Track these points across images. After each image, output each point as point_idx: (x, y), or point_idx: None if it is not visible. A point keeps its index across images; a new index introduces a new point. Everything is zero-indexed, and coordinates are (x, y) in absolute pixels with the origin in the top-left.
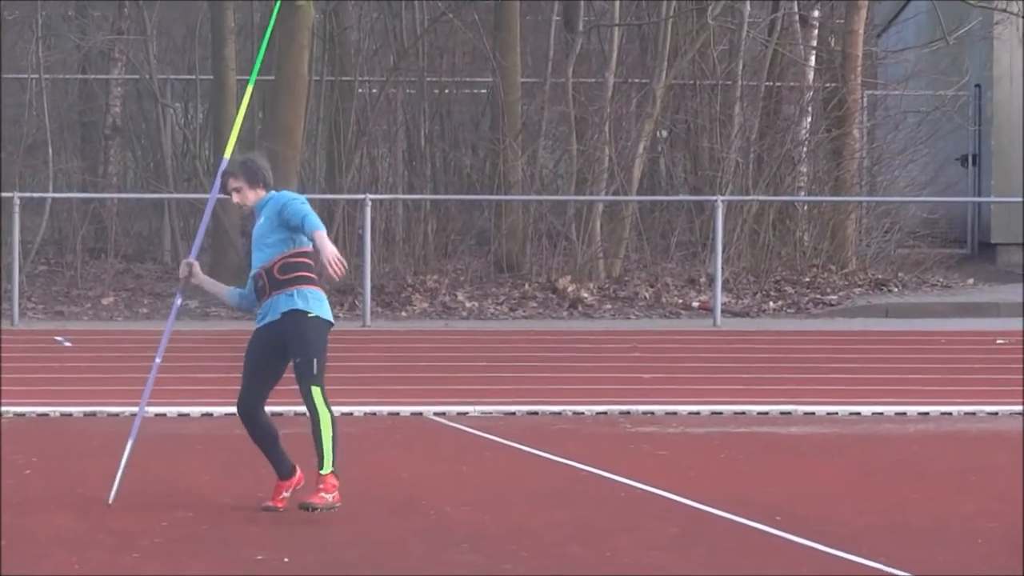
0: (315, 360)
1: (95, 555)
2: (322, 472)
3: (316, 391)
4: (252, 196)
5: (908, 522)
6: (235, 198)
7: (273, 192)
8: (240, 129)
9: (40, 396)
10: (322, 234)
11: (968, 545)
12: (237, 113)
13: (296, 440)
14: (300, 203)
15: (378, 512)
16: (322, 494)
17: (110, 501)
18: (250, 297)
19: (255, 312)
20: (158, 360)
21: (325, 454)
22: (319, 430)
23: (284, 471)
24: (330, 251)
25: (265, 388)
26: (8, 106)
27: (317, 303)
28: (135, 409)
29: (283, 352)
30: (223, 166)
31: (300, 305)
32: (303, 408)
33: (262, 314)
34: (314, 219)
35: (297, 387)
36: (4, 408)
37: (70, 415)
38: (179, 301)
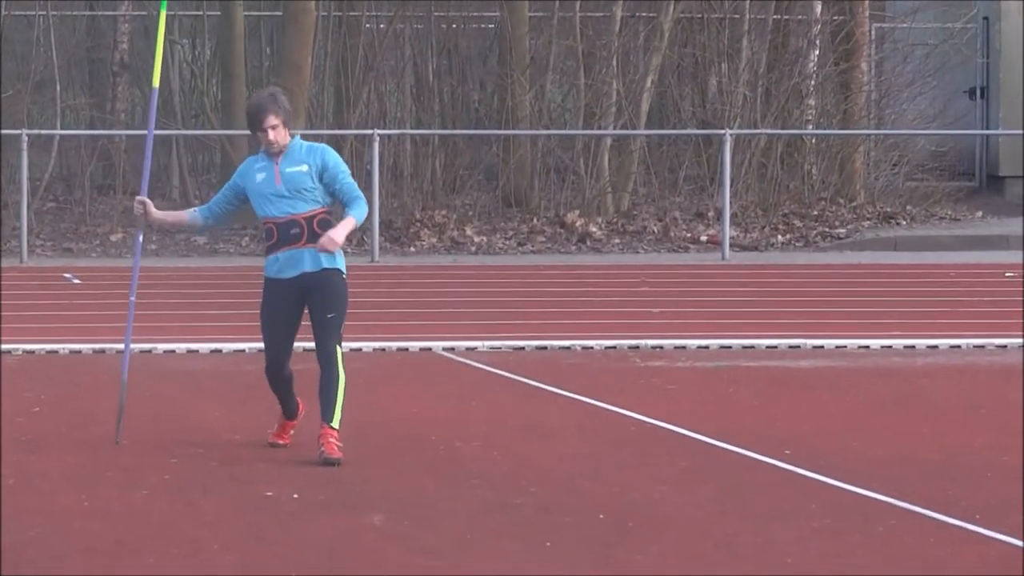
0: (343, 319)
1: (105, 492)
2: (333, 426)
3: (339, 350)
4: (285, 135)
5: (917, 455)
6: (271, 135)
7: (306, 141)
8: (247, 65)
9: (49, 333)
10: (354, 223)
11: (977, 478)
12: (245, 56)
13: (306, 376)
14: (350, 177)
15: (388, 448)
16: (337, 446)
17: (117, 441)
18: (218, 214)
19: (207, 230)
20: (133, 299)
21: (337, 410)
22: (336, 388)
23: (292, 411)
24: (340, 238)
25: (291, 340)
26: (15, 42)
27: (344, 264)
28: (145, 346)
29: (304, 303)
30: (154, 97)
31: (339, 264)
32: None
33: (288, 264)
34: (362, 208)
35: (314, 339)
36: (14, 345)
37: (79, 352)
38: (140, 238)
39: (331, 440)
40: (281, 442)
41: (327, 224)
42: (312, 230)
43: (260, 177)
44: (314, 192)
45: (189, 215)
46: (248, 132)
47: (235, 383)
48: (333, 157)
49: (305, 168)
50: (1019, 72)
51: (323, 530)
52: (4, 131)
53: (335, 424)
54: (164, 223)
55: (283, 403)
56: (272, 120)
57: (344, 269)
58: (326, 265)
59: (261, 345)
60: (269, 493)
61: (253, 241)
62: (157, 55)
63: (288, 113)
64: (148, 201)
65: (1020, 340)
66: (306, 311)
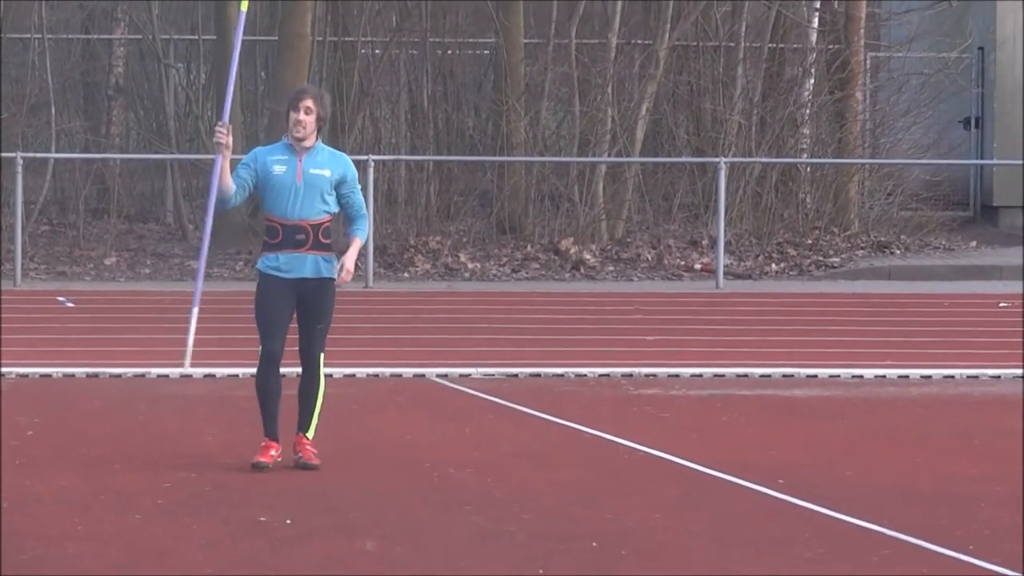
0: (329, 328)
1: (99, 516)
2: (309, 436)
3: (322, 357)
4: (313, 129)
5: (911, 485)
6: (302, 115)
7: (328, 147)
8: (242, 90)
9: (43, 357)
10: (360, 244)
11: (971, 508)
12: (240, 81)
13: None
14: (361, 195)
15: (382, 473)
16: (312, 453)
17: (186, 366)
18: (242, 196)
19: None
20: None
21: (315, 419)
22: (316, 396)
23: (274, 430)
24: (351, 264)
25: (285, 333)
26: (11, 66)
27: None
28: (139, 370)
29: (296, 303)
30: (242, 19)
31: (333, 275)
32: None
33: (290, 266)
34: (366, 226)
35: (300, 342)
36: (7, 369)
37: (73, 376)
38: (220, 162)
39: (307, 447)
40: (266, 460)
41: (329, 233)
42: (317, 239)
43: (280, 170)
44: (328, 198)
45: (233, 187)
46: (242, 156)
47: (229, 408)
48: (353, 171)
49: (328, 173)
50: (1014, 102)
51: (316, 556)
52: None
53: (310, 435)
54: (225, 163)
55: (265, 416)
56: (309, 103)
57: (334, 277)
58: (324, 275)
59: (254, 370)
60: (263, 518)
61: (247, 266)
62: None
63: (325, 114)
64: (230, 127)
65: (1014, 371)
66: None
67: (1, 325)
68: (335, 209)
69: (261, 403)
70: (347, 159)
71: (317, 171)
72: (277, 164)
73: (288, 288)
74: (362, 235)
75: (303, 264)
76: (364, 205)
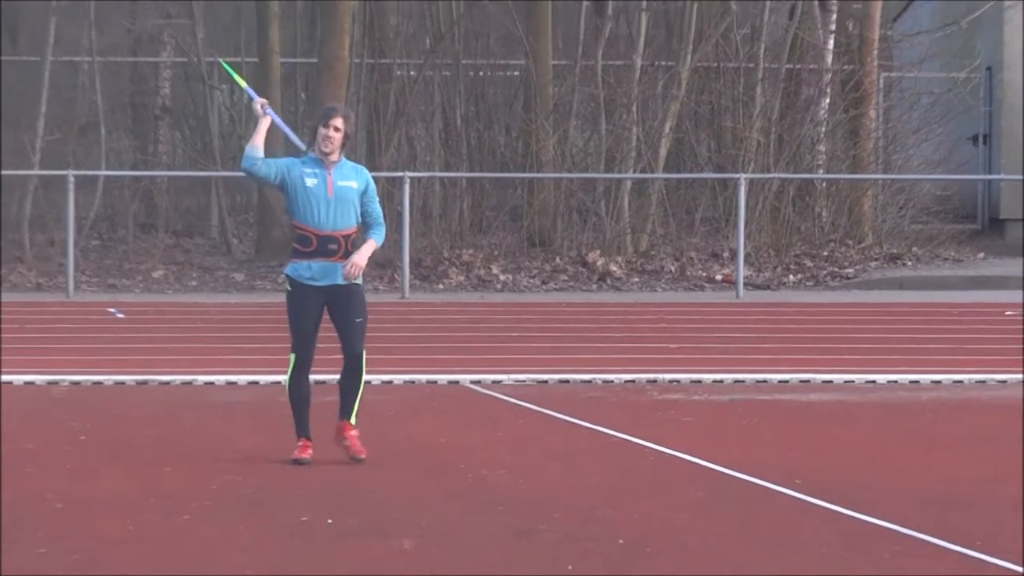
0: (367, 325)
1: (147, 518)
2: (351, 422)
3: (364, 352)
4: (340, 146)
5: (922, 486)
6: (332, 132)
7: (348, 160)
8: (283, 110)
9: (94, 365)
10: (375, 246)
11: (979, 508)
12: (281, 101)
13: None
14: (378, 204)
15: (418, 475)
16: (359, 443)
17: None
18: (260, 171)
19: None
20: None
21: (355, 407)
22: (358, 386)
23: (306, 428)
24: (361, 261)
25: (316, 339)
26: (62, 88)
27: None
28: (186, 377)
29: (326, 308)
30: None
31: (360, 281)
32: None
33: (322, 274)
34: (383, 233)
35: (343, 341)
36: (60, 377)
37: (123, 383)
38: (269, 113)
39: (352, 436)
40: (305, 456)
41: (357, 243)
42: (347, 248)
43: (311, 183)
44: (356, 208)
45: (260, 149)
46: None
47: (271, 413)
48: (372, 182)
49: (355, 185)
50: (1020, 120)
51: (355, 555)
52: (52, 172)
53: (353, 420)
54: (262, 128)
55: (299, 419)
56: (339, 122)
57: (362, 282)
58: (356, 282)
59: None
60: (304, 518)
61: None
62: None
63: (351, 132)
64: (266, 101)
65: (1020, 376)
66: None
67: (55, 335)
68: (360, 218)
69: (295, 407)
70: (367, 171)
71: (345, 183)
72: (308, 177)
73: (320, 296)
74: (378, 239)
75: (335, 272)
76: (381, 214)
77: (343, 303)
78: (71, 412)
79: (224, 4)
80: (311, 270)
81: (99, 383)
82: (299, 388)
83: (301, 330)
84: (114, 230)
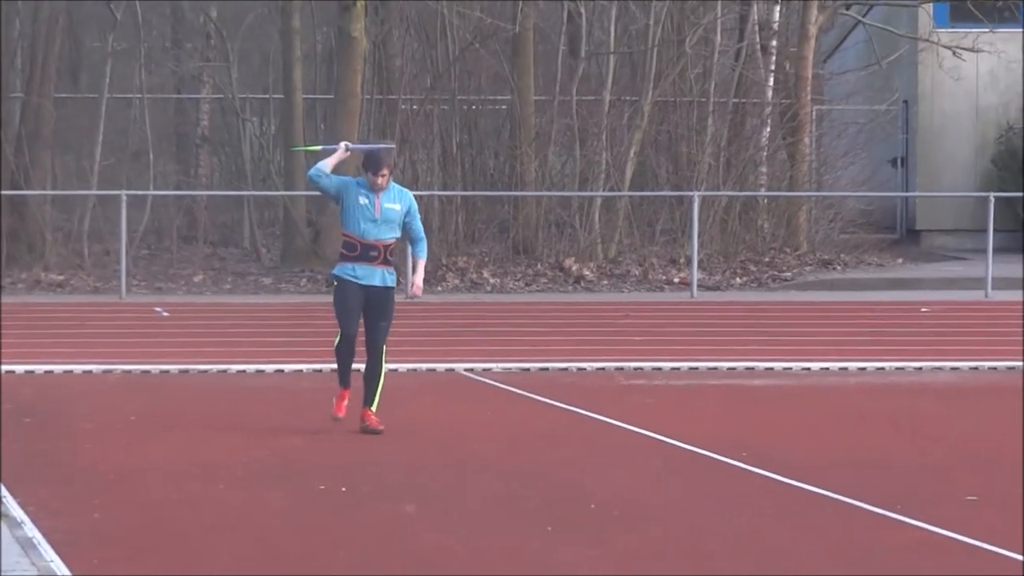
0: (391, 326)
1: (190, 486)
2: (373, 409)
3: (385, 347)
4: (388, 181)
5: (850, 457)
6: (380, 181)
7: (395, 184)
8: (305, 139)
9: (143, 356)
10: (424, 262)
11: (899, 475)
12: (303, 131)
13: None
14: (420, 222)
15: (419, 449)
16: (376, 420)
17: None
18: (327, 184)
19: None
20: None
21: (377, 396)
22: (380, 377)
23: (348, 381)
24: (420, 281)
25: (358, 321)
26: (116, 119)
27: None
28: (222, 366)
29: (365, 302)
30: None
31: (394, 284)
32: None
33: (364, 275)
34: (425, 247)
35: (369, 336)
36: (114, 365)
37: (168, 372)
38: (336, 153)
39: (372, 417)
40: (341, 415)
41: (394, 252)
42: (385, 256)
43: (363, 201)
44: (398, 225)
45: (328, 167)
46: (304, 193)
47: (295, 396)
48: (415, 204)
49: (398, 207)
50: (932, 145)
51: (367, 517)
52: (107, 192)
53: (374, 408)
54: (334, 158)
55: (343, 374)
56: (387, 171)
57: (394, 287)
58: (388, 284)
59: (322, 366)
60: (322, 487)
61: (309, 282)
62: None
63: (393, 167)
64: (347, 144)
65: (934, 363)
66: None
67: (109, 332)
68: (400, 234)
69: (340, 362)
70: (410, 195)
71: (390, 205)
72: (362, 196)
73: (360, 290)
74: (423, 256)
75: (373, 275)
76: (422, 230)
77: (375, 306)
78: (123, 396)
79: (254, 48)
80: (355, 271)
81: (147, 371)
82: (345, 349)
83: (344, 313)
84: (160, 241)
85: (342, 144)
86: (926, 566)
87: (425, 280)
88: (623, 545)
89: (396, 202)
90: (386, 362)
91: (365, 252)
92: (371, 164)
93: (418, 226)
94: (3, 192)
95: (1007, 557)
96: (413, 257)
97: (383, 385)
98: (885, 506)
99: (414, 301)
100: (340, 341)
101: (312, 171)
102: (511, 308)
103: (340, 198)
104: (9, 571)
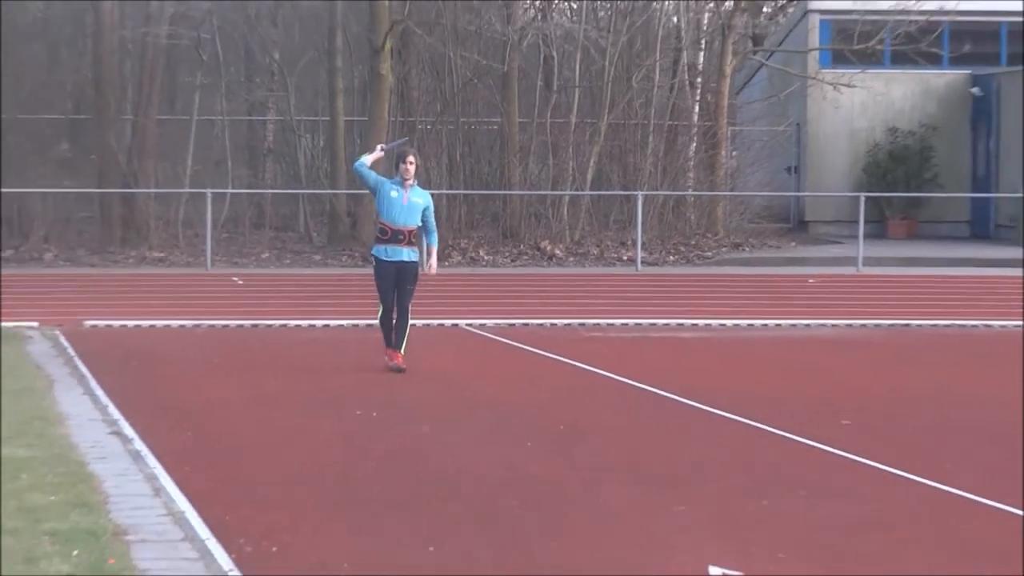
0: (415, 290)
1: (257, 413)
2: (401, 351)
3: (410, 307)
4: (414, 173)
5: (757, 391)
6: (409, 167)
7: (418, 186)
8: (345, 150)
9: (223, 314)
10: (436, 249)
11: (794, 406)
12: (343, 145)
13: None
14: (433, 217)
15: (430, 385)
16: (402, 360)
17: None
18: (365, 174)
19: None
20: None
21: (404, 342)
22: (405, 328)
23: (390, 342)
24: (435, 263)
25: (394, 294)
26: (203, 136)
27: (417, 257)
28: (281, 321)
29: (398, 277)
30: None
31: (416, 259)
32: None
33: (393, 253)
34: (436, 238)
35: (398, 298)
36: (201, 321)
37: (242, 326)
38: (375, 152)
39: (399, 358)
40: (396, 362)
41: (417, 236)
42: (409, 239)
43: (393, 195)
44: (419, 215)
45: (369, 163)
46: (344, 191)
47: (340, 346)
48: (432, 202)
49: (421, 201)
50: (818, 157)
51: (392, 435)
52: (196, 190)
53: (402, 350)
54: (375, 155)
55: (387, 336)
56: (412, 159)
57: (418, 261)
58: (413, 259)
59: (359, 322)
60: (358, 412)
61: (349, 258)
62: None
63: (420, 164)
64: (383, 146)
65: (820, 321)
66: None
67: (198, 298)
68: (420, 221)
69: (383, 329)
70: (429, 195)
71: (415, 199)
72: (392, 191)
73: (392, 267)
74: (435, 244)
75: (400, 253)
76: (435, 223)
77: (403, 277)
78: (208, 345)
79: (308, 82)
80: (386, 251)
81: (226, 326)
82: (386, 320)
83: (383, 288)
84: (236, 227)
85: (378, 146)
86: (810, 473)
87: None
88: (583, 457)
89: (419, 197)
90: (411, 320)
91: (394, 236)
92: (400, 156)
93: (432, 219)
94: (117, 191)
95: (868, 465)
96: (428, 245)
97: (408, 336)
98: (781, 428)
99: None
100: (381, 313)
101: (357, 164)
102: (500, 279)
103: (376, 190)
104: (121, 475)
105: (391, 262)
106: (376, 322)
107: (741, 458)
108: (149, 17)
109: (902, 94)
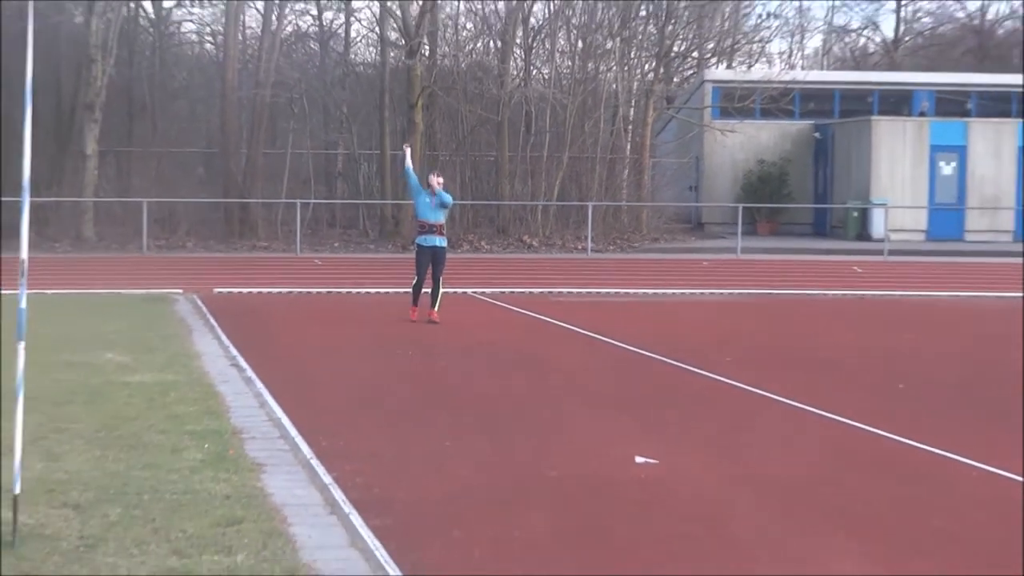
0: (445, 268)
1: (328, 356)
2: (436, 309)
3: (442, 279)
4: (439, 186)
5: (669, 338)
6: (435, 184)
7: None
8: (392, 168)
9: (307, 284)
10: (437, 195)
11: (694, 348)
12: (389, 170)
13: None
14: (448, 203)
15: (446, 335)
16: (436, 316)
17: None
18: (411, 179)
19: (411, 185)
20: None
21: (438, 302)
22: (438, 293)
23: (416, 303)
24: (409, 158)
25: (426, 272)
26: (298, 167)
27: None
28: (344, 289)
29: (433, 257)
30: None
31: (445, 245)
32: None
33: (428, 240)
34: (446, 210)
35: (433, 273)
36: (294, 289)
37: (320, 293)
38: (407, 155)
39: (434, 315)
40: (413, 318)
41: (443, 229)
42: (440, 230)
43: (425, 199)
44: (443, 214)
45: (410, 166)
46: (390, 201)
47: (386, 306)
48: (451, 198)
49: (438, 199)
50: (710, 180)
51: (419, 366)
52: (290, 200)
53: (437, 308)
54: (408, 158)
55: (415, 298)
56: (436, 180)
57: (446, 247)
58: (443, 245)
59: (400, 290)
60: (398, 351)
61: (394, 248)
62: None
63: (443, 180)
64: (409, 148)
65: (719, 290)
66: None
67: (292, 277)
68: (444, 217)
69: (413, 293)
70: (449, 196)
71: (435, 199)
72: (424, 196)
73: (428, 251)
74: (448, 203)
75: (434, 240)
76: (449, 203)
77: (436, 257)
78: (297, 306)
79: (366, 127)
80: (424, 240)
81: (308, 292)
82: (416, 287)
83: (420, 264)
84: (317, 226)
85: (406, 147)
86: (705, 392)
87: (449, 245)
88: (553, 380)
89: (438, 195)
90: (443, 287)
91: (429, 228)
92: (429, 176)
93: (447, 200)
94: (236, 200)
95: (741, 388)
96: (439, 196)
97: (441, 298)
98: (683, 362)
99: (448, 257)
100: (415, 283)
101: (407, 168)
102: (496, 261)
103: (414, 195)
104: (238, 393)
105: (428, 247)
106: (410, 289)
107: (655, 382)
108: (258, 82)
109: (768, 137)
